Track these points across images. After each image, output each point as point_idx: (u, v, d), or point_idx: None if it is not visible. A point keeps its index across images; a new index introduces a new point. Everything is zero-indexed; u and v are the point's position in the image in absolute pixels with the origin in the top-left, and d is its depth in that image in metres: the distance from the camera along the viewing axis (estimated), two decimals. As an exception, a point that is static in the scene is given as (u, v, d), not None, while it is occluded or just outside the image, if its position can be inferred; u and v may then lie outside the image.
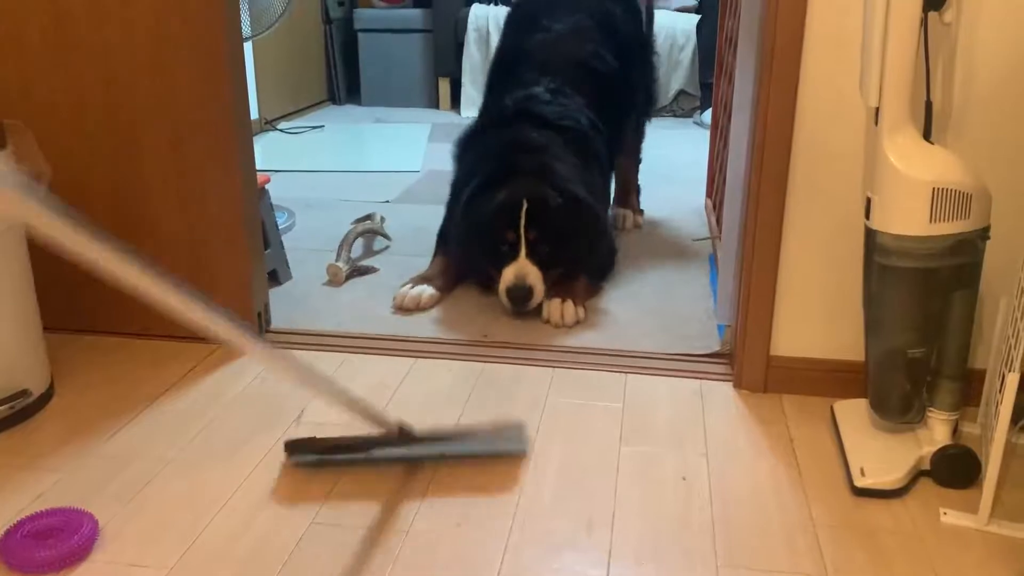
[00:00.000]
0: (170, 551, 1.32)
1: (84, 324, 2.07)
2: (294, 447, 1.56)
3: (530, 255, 2.16)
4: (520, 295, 2.14)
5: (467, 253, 2.31)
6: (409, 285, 2.27)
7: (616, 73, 2.64)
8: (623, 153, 2.83)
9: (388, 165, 3.79)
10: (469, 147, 2.49)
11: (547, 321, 2.15)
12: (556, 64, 2.54)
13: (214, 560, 1.31)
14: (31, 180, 1.63)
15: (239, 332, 1.20)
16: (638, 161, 2.99)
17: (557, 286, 2.22)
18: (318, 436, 1.58)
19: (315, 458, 1.55)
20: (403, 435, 1.55)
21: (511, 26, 2.82)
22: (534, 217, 2.16)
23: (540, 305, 2.18)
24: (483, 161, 2.34)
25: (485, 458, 1.57)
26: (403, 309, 2.22)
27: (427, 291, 2.26)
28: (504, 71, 2.65)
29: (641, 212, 2.96)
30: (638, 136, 2.96)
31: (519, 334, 2.09)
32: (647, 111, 3.00)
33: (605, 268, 2.45)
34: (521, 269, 2.15)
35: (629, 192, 2.96)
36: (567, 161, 2.32)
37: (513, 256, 2.17)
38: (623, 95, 2.71)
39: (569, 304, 2.16)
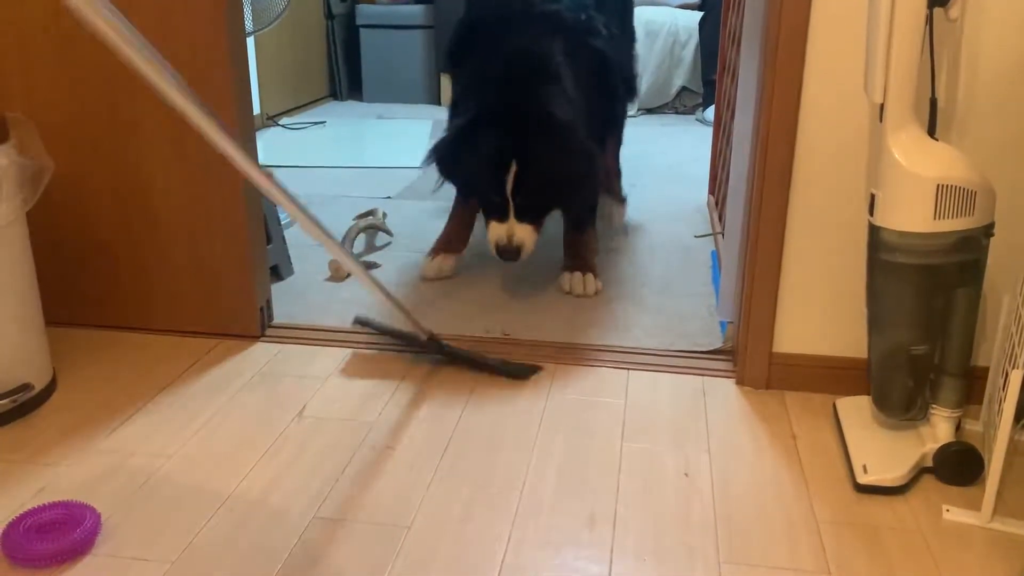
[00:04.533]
0: (172, 545, 1.32)
1: (86, 318, 2.07)
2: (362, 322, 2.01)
3: (519, 214, 2.14)
4: (509, 255, 2.16)
5: (460, 192, 2.40)
6: (430, 257, 2.42)
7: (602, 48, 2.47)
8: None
9: (390, 161, 3.79)
10: (463, 56, 2.38)
11: (568, 292, 2.28)
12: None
13: (216, 555, 1.31)
14: (35, 173, 1.63)
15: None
16: (619, 142, 2.89)
17: (571, 260, 2.34)
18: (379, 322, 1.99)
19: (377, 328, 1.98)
20: (432, 341, 1.88)
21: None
22: (523, 180, 2.10)
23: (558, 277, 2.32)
24: (475, 89, 2.25)
25: (499, 378, 1.84)
26: (428, 279, 2.38)
27: (448, 261, 2.40)
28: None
29: (624, 200, 2.89)
30: (620, 118, 2.82)
31: (521, 330, 2.09)
32: (630, 91, 2.82)
33: (593, 213, 2.49)
34: (510, 228, 2.14)
35: (608, 175, 2.79)
36: (567, 86, 2.19)
37: (502, 211, 2.15)
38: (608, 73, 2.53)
39: (590, 277, 2.30)
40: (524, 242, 2.14)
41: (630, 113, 4.70)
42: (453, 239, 2.46)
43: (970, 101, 1.57)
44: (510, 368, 1.86)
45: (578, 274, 2.31)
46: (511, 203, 2.12)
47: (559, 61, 2.21)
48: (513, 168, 2.08)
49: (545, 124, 2.12)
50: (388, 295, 1.72)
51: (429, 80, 5.22)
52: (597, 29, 2.35)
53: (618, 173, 2.94)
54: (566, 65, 2.21)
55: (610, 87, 2.44)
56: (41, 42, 1.89)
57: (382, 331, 1.98)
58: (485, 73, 2.24)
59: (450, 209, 2.51)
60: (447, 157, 2.25)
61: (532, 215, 2.15)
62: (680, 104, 4.94)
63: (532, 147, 2.09)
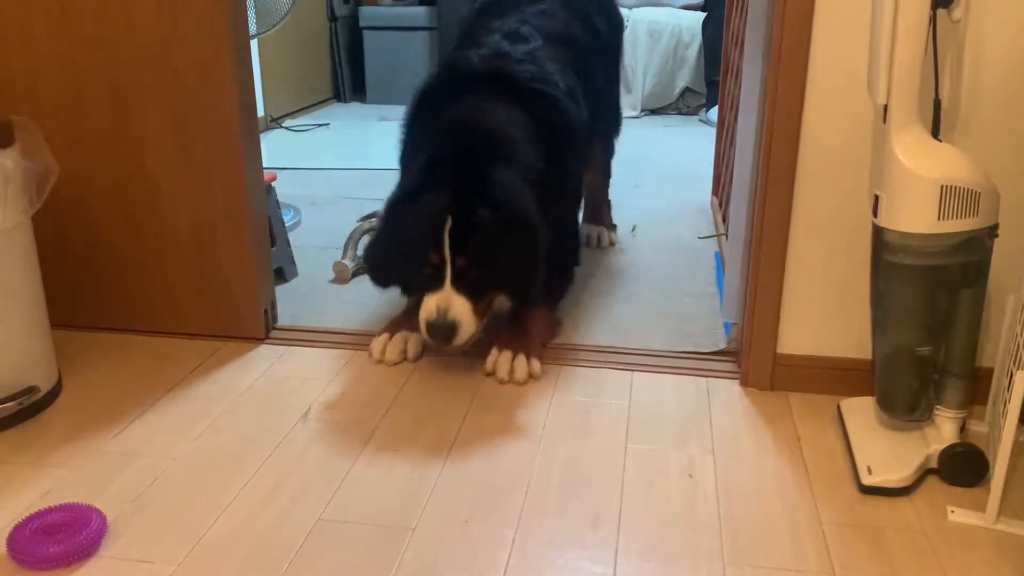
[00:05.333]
0: (177, 547, 1.33)
1: (91, 321, 2.07)
2: None
3: (457, 282, 1.78)
4: (441, 331, 1.76)
5: (388, 269, 1.95)
6: (387, 335, 1.95)
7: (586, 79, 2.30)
8: (592, 168, 2.54)
9: (393, 163, 3.78)
10: (419, 114, 2.13)
11: (491, 374, 1.86)
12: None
13: (221, 556, 1.31)
14: (40, 176, 1.63)
15: None
16: (607, 175, 2.76)
17: (508, 333, 1.93)
18: None
19: None
20: None
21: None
22: (461, 238, 1.76)
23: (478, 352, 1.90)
24: (420, 147, 1.99)
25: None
26: (386, 362, 1.92)
27: (412, 338, 1.93)
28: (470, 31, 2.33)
29: (614, 227, 2.78)
30: (607, 151, 2.71)
31: (525, 332, 2.09)
32: (616, 126, 2.76)
33: (557, 288, 2.15)
34: (445, 300, 1.76)
35: (600, 209, 2.75)
36: (518, 157, 1.89)
37: (438, 282, 1.79)
38: (594, 102, 2.35)
39: (521, 360, 1.86)
40: (460, 319, 1.75)
41: (632, 113, 4.74)
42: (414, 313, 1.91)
43: (973, 102, 1.57)
44: None
45: (507, 353, 1.86)
46: (449, 265, 1.77)
47: (516, 120, 1.94)
48: (448, 223, 1.75)
49: (488, 180, 1.81)
50: None
51: (432, 82, 5.22)
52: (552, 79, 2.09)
53: (608, 203, 2.79)
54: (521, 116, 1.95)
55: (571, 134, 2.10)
56: (45, 45, 1.90)
57: None
58: (431, 134, 2.00)
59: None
60: (385, 226, 1.94)
61: (473, 285, 1.79)
62: (683, 105, 4.93)
63: (470, 202, 1.78)
